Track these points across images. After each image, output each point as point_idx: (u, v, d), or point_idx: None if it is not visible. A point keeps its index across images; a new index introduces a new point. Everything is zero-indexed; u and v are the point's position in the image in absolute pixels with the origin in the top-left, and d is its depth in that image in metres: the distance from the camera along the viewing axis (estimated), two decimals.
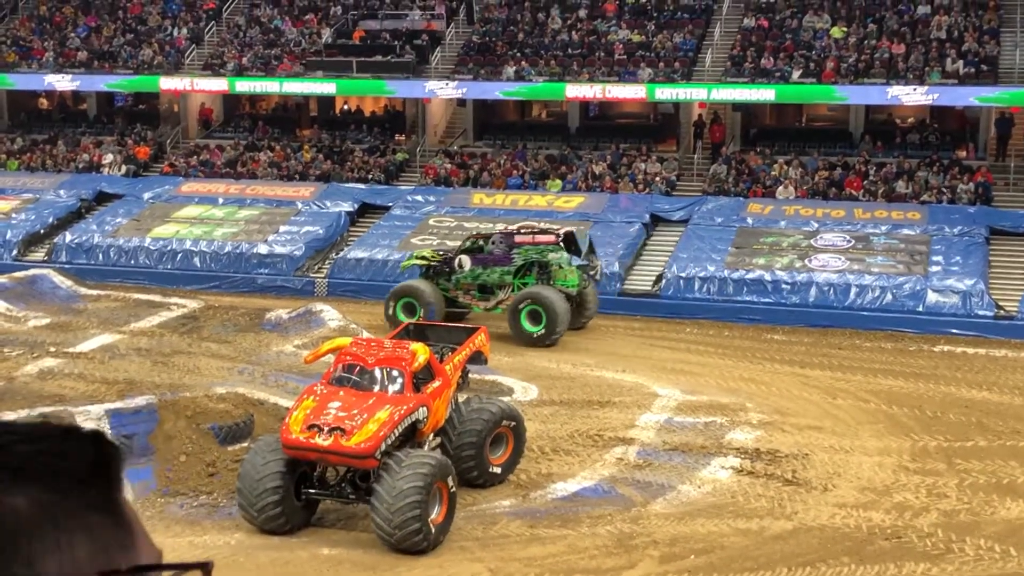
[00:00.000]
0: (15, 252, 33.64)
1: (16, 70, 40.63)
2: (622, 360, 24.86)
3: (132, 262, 32.71)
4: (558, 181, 35.29)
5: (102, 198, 36.87)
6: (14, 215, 35.49)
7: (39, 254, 33.68)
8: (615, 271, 29.99)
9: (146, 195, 36.29)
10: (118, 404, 18.06)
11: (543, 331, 25.41)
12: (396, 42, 39.07)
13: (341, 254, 32.35)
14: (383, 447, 15.06)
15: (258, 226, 33.87)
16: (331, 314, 23.95)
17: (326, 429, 15.10)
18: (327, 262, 32.35)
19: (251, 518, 15.53)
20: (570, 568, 14.83)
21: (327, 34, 40.37)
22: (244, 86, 39.22)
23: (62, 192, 36.81)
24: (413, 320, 20.36)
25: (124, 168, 38.28)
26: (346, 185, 36.21)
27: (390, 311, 26.46)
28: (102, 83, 40.34)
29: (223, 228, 33.74)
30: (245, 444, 17.85)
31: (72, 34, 42.38)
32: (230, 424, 18.00)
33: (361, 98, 41.36)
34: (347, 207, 34.68)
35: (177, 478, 17.17)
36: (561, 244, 26.75)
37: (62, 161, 39.09)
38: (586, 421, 20.23)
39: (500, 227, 29.40)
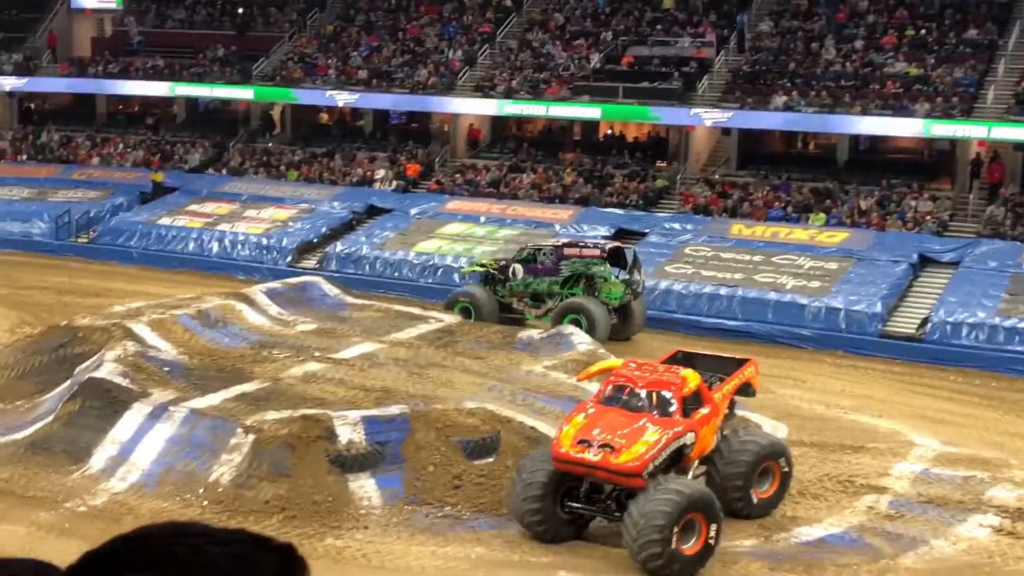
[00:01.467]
0: (289, 259, 35.42)
1: (301, 85, 42.84)
2: (879, 404, 23.95)
3: (396, 274, 33.87)
4: (822, 215, 34.39)
5: (372, 211, 38.36)
6: (291, 224, 37.38)
7: (311, 262, 35.32)
8: (876, 311, 28.97)
9: (413, 211, 37.52)
10: (374, 411, 18.66)
11: None
12: (664, 68, 39.06)
13: None
14: (650, 467, 15.30)
15: (517, 246, 34.40)
16: (581, 337, 24.05)
17: (596, 445, 15.47)
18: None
19: (518, 521, 16.25)
20: None
21: (596, 59, 40.76)
22: (512, 108, 40.07)
23: (336, 204, 38.51)
24: (682, 350, 20.23)
25: (394, 184, 39.74)
26: (604, 209, 36.39)
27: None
28: (378, 101, 42.03)
29: (483, 246, 34.49)
30: (491, 460, 18.14)
31: (354, 53, 44.37)
32: (477, 439, 18.30)
33: (625, 123, 41.54)
34: (604, 231, 34.81)
35: (424, 488, 17.59)
36: (605, 258, 28.30)
37: (338, 174, 40.93)
38: (837, 465, 19.54)
39: (552, 241, 30.60)
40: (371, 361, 22.09)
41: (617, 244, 29.68)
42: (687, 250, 33.22)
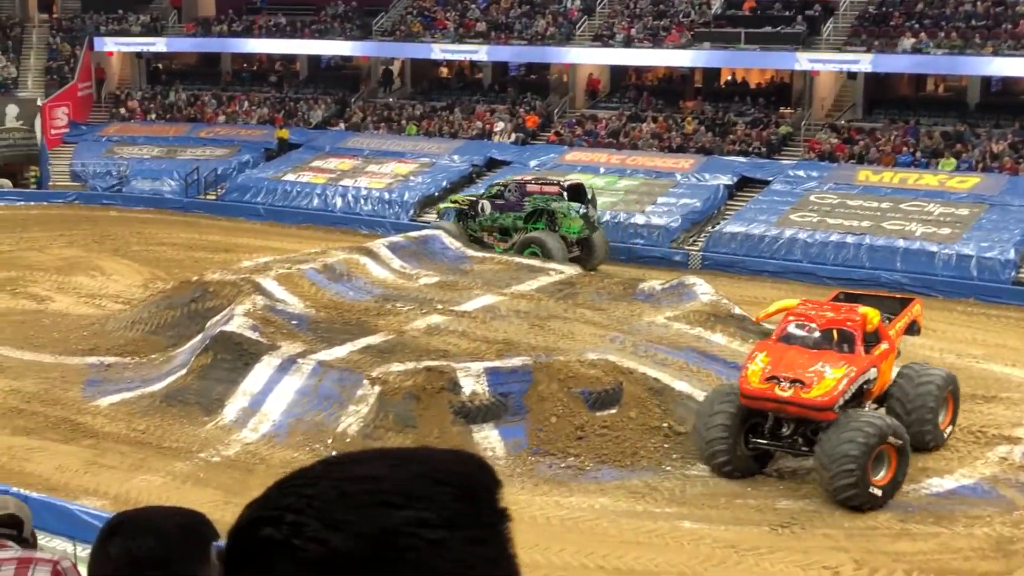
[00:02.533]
0: (411, 213, 35.74)
1: (420, 39, 43.00)
2: (1012, 353, 23.28)
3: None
4: (952, 160, 33.39)
5: (492, 164, 38.44)
6: (412, 178, 37.69)
7: (432, 215, 35.59)
8: (1010, 258, 28.11)
9: (532, 163, 37.48)
10: (496, 363, 18.80)
11: None
12: (787, 12, 38.20)
13: (717, 228, 32.15)
14: (841, 402, 15.71)
15: (636, 196, 34.22)
16: (703, 288, 23.80)
17: (786, 381, 15.85)
18: (703, 235, 32.25)
19: (701, 455, 16.72)
20: (941, 568, 14.11)
21: (717, 5, 40.05)
22: (631, 57, 39.64)
23: (455, 157, 38.70)
24: (845, 291, 20.63)
25: (513, 136, 39.74)
26: (726, 158, 35.89)
27: None
28: (500, 53, 41.97)
29: (603, 197, 34.23)
30: (613, 411, 18.16)
31: (473, 6, 44.33)
32: (600, 390, 18.32)
33: (747, 70, 40.79)
34: (726, 180, 34.38)
35: (547, 439, 17.70)
36: (564, 194, 29.74)
37: (457, 127, 41.08)
38: (969, 416, 19.06)
39: (517, 177, 32.06)
40: (493, 313, 22.21)
41: (577, 181, 31.09)
42: (812, 198, 32.61)
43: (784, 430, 16.31)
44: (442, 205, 32.53)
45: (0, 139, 42.05)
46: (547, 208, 29.70)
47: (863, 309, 17.16)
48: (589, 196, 30.10)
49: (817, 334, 16.73)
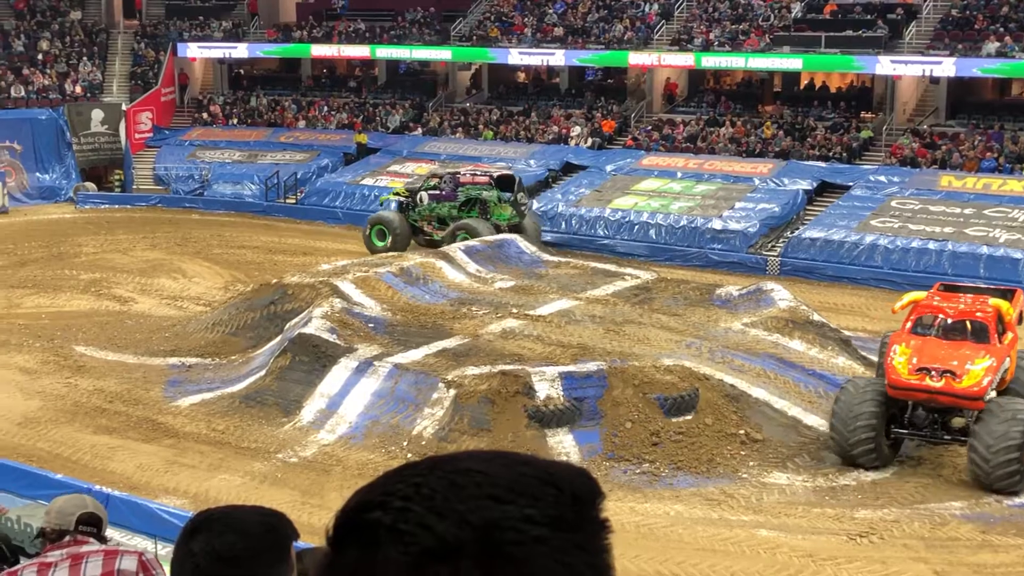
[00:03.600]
0: None
1: (497, 44, 43.12)
2: None
3: (592, 232, 33.84)
4: None
5: (568, 168, 38.41)
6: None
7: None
8: None
9: (608, 167, 37.39)
10: (571, 368, 18.77)
11: None
12: (868, 16, 37.71)
13: (796, 233, 31.80)
14: (990, 392, 16.23)
15: (714, 201, 33.98)
16: (782, 294, 23.56)
17: (935, 372, 16.27)
18: (781, 240, 31.93)
19: (843, 452, 16.93)
20: None
21: (797, 8, 39.67)
22: (710, 61, 39.41)
23: (532, 162, 38.72)
24: (946, 283, 20.61)
25: (590, 140, 39.69)
26: (806, 163, 35.51)
27: (366, 235, 32.47)
28: (575, 58, 41.95)
29: (679, 202, 34.15)
30: (689, 417, 18.04)
31: (550, 10, 44.37)
32: (675, 396, 18.21)
33: (827, 74, 40.34)
34: (805, 185, 34.01)
35: (622, 444, 17.63)
36: (493, 184, 31.86)
37: (534, 132, 41.12)
38: None
39: (450, 169, 34.14)
40: (568, 318, 22.19)
41: (507, 172, 33.19)
42: (893, 203, 32.14)
43: (923, 419, 16.71)
44: (384, 196, 34.25)
45: (86, 143, 42.94)
46: (479, 197, 31.76)
47: (993, 300, 17.58)
48: (517, 185, 32.08)
49: (951, 325, 17.14)
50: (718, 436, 17.85)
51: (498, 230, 30.50)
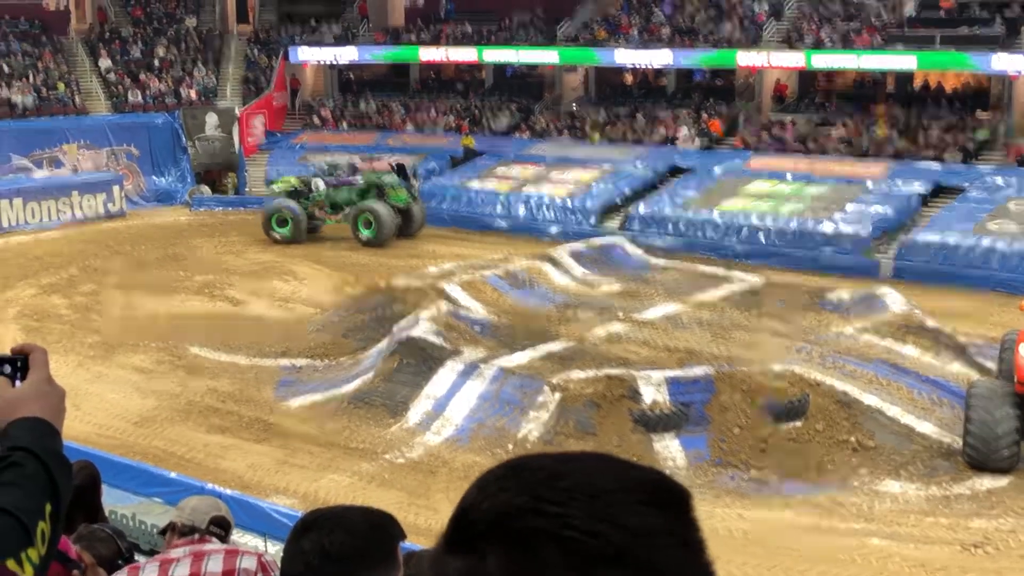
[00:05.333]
0: (593, 220, 35.74)
1: (604, 46, 43.01)
2: None
3: (699, 234, 33.52)
4: None
5: (675, 171, 38.14)
6: (594, 185, 37.70)
7: (614, 223, 35.50)
8: None
9: (716, 169, 37.03)
10: (678, 372, 18.63)
11: (374, 235, 33.60)
12: (985, 13, 36.77)
13: (910, 236, 31.11)
14: None
15: (825, 203, 33.41)
16: (895, 298, 23.08)
17: None
18: (894, 244, 31.26)
19: (984, 459, 16.66)
20: None
21: (911, 6, 38.84)
22: (820, 61, 38.80)
23: (638, 164, 38.53)
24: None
25: (697, 142, 39.35)
26: (920, 164, 34.73)
27: (265, 225, 34.40)
28: (683, 59, 41.65)
29: (789, 204, 33.66)
30: (799, 423, 17.77)
31: (658, 11, 44.13)
32: (785, 402, 17.95)
33: (942, 73, 39.41)
34: (919, 187, 33.27)
35: (729, 450, 17.43)
36: (394, 170, 34.81)
37: (640, 134, 40.92)
38: None
39: (347, 158, 37.37)
40: (675, 322, 22.04)
41: (401, 161, 36.30)
42: (1011, 205, 31.26)
43: None
44: (267, 190, 36.35)
45: (201, 147, 43.93)
46: (379, 182, 34.29)
47: None
48: (411, 171, 35.58)
49: None
50: (829, 443, 17.55)
51: (395, 211, 33.95)
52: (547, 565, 1.16)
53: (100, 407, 20.67)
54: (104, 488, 6.01)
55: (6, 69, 43.53)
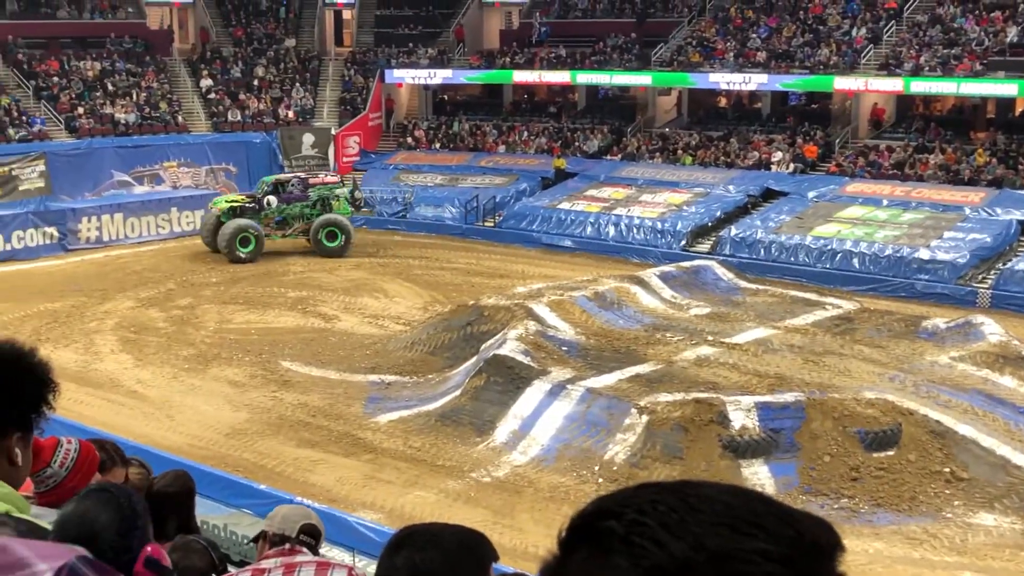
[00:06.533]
0: (683, 242, 35.55)
1: (699, 69, 42.84)
2: None
3: (792, 259, 33.15)
4: None
5: (768, 195, 37.79)
6: (685, 207, 37.53)
7: (705, 246, 35.27)
8: None
9: (810, 194, 36.62)
10: (767, 398, 18.44)
11: (342, 244, 35.40)
12: None
13: (1009, 265, 30.44)
14: None
15: (921, 230, 32.84)
16: (992, 328, 22.60)
17: None
18: (992, 272, 30.60)
19: None
20: None
21: (1013, 32, 38.10)
22: (919, 86, 38.21)
23: (731, 187, 38.27)
24: None
25: (792, 166, 38.96)
26: (1020, 192, 33.97)
27: (230, 245, 34.32)
28: (778, 83, 41.31)
29: (885, 230, 33.15)
30: (891, 453, 17.46)
31: (753, 35, 43.86)
32: (877, 430, 17.66)
33: None
34: (1019, 215, 32.54)
35: (819, 478, 17.20)
36: (343, 183, 37.33)
37: (734, 157, 40.65)
38: None
39: (295, 174, 38.10)
40: (765, 347, 21.82)
41: (342, 177, 39.29)
42: None
43: None
44: (220, 206, 35.74)
45: (297, 165, 44.63)
46: (331, 196, 35.89)
47: None
48: (353, 184, 38.35)
49: None
50: (921, 473, 17.22)
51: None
52: (616, 568, 1.17)
53: (193, 418, 21.06)
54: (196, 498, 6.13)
55: (111, 88, 44.73)
